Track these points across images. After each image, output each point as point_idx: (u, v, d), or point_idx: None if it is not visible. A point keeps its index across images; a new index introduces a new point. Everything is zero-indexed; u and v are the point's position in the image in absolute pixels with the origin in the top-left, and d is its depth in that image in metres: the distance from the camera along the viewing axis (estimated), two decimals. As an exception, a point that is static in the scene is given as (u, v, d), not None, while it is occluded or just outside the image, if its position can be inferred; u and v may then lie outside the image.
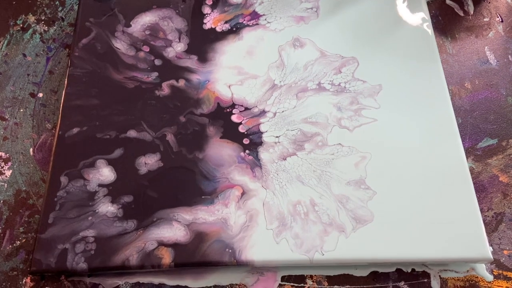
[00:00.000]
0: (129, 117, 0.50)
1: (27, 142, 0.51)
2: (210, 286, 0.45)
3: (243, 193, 0.46)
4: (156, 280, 0.45)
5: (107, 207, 0.45)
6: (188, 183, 0.47)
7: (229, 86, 0.53)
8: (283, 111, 0.51)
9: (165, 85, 0.54)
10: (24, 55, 0.57)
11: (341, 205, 0.45)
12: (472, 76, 0.59)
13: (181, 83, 0.55)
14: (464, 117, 0.57)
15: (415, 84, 0.52)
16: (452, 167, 0.47)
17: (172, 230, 0.44)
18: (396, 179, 0.47)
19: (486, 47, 0.59)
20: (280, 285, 0.45)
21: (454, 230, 0.44)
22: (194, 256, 0.43)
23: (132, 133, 0.50)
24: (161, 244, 0.43)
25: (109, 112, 0.51)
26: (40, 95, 0.54)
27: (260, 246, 0.43)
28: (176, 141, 0.49)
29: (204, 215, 0.45)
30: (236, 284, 0.45)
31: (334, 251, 0.43)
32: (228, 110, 0.51)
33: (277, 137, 0.50)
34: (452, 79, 0.59)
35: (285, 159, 0.48)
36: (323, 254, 0.43)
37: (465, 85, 0.59)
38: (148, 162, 0.48)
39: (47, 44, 0.59)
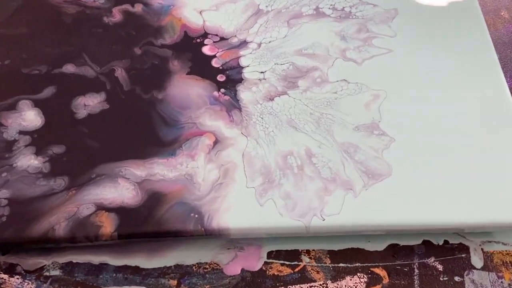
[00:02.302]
0: (66, 48, 0.44)
1: None
2: (170, 267, 0.34)
3: (215, 142, 0.39)
4: (96, 259, 0.36)
5: (28, 160, 0.36)
6: (141, 130, 0.39)
7: (200, 12, 0.43)
8: (270, 42, 0.42)
9: (116, 10, 0.45)
10: None
11: (347, 156, 0.37)
12: (509, 3, 0.49)
13: (138, 8, 0.46)
14: (502, 51, 0.47)
15: (440, 5, 0.44)
16: (493, 108, 0.39)
17: (117, 189, 0.36)
18: (419, 123, 0.40)
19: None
20: (265, 263, 0.34)
21: (499, 186, 0.36)
22: (146, 224, 0.34)
23: (69, 68, 0.43)
24: (101, 208, 0.35)
25: (41, 43, 0.44)
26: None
27: (238, 209, 0.35)
28: (128, 78, 0.42)
29: (162, 170, 0.37)
30: (206, 263, 0.34)
31: (338, 215, 0.35)
32: (198, 40, 0.44)
33: (262, 72, 0.43)
34: (486, 8, 0.49)
35: (273, 100, 0.40)
36: (324, 219, 0.35)
37: (502, 14, 0.49)
38: (89, 104, 0.41)
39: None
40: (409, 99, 0.41)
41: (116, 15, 0.45)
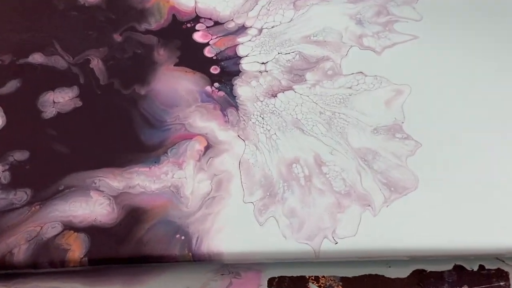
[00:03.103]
0: (35, 34, 0.40)
1: None
2: (152, 296, 0.30)
3: (207, 147, 0.34)
4: (65, 286, 0.32)
5: (-16, 169, 0.31)
6: (119, 132, 0.35)
7: (191, -8, 0.38)
8: (273, 27, 0.39)
9: (94, -10, 0.39)
10: None
11: (364, 165, 0.33)
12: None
13: (119, -13, 0.40)
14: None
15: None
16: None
17: (89, 205, 0.32)
18: (450, 124, 0.35)
19: None
20: (266, 292, 0.30)
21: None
22: (123, 247, 0.31)
23: (37, 58, 0.38)
24: (69, 227, 0.31)
25: (3, 28, 0.40)
26: None
27: (233, 229, 0.31)
28: (106, 70, 0.38)
29: (143, 181, 0.33)
30: (195, 292, 0.30)
31: (354, 238, 0.31)
32: (188, 25, 0.40)
33: (263, 63, 0.38)
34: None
35: (276, 96, 0.37)
36: (337, 243, 0.31)
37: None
38: (59, 101, 0.37)
39: None
40: (438, 95, 0.36)
41: (94, -5, 0.39)
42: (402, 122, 0.34)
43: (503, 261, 0.33)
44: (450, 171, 0.32)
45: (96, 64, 0.37)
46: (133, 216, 0.31)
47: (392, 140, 0.34)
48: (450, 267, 0.33)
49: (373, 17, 0.39)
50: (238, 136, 0.34)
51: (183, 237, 0.30)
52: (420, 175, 0.32)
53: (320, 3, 0.40)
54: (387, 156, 0.33)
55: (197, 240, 0.30)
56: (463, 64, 0.37)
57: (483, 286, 0.32)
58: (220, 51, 0.38)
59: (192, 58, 0.37)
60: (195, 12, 0.39)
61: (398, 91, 0.36)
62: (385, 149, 0.33)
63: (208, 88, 0.36)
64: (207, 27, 0.39)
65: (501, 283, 0.32)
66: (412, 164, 0.33)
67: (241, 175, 0.32)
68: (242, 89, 0.36)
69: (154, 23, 0.39)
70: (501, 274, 0.33)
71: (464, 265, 0.33)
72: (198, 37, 0.39)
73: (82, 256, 0.29)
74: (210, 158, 0.33)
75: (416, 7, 0.39)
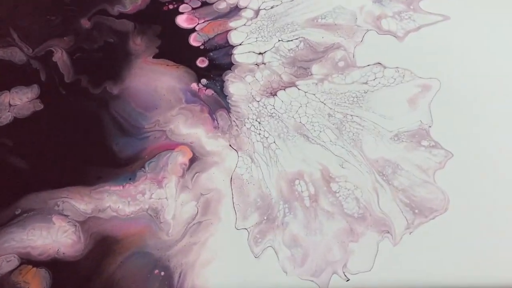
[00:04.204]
0: None
1: None
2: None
3: (193, 160, 0.29)
4: None
5: None
6: (87, 142, 0.30)
7: (174, -35, 0.32)
8: (272, 7, 0.32)
9: (57, -36, 0.33)
10: None
11: (383, 180, 0.28)
12: None
13: (87, -40, 0.34)
14: None
15: None
16: None
17: (51, 232, 0.28)
18: (491, 129, 0.29)
19: None
20: (263, 334, 0.25)
21: None
22: (91, 285, 0.26)
23: None
24: (27, 261, 0.27)
25: None
26: None
27: (223, 262, 0.27)
28: (71, 64, 0.32)
29: (115, 203, 0.28)
30: (180, 333, 0.25)
31: (369, 273, 0.26)
32: (171, 6, 0.35)
33: (260, 53, 0.33)
34: None
35: (275, 95, 0.31)
36: (348, 279, 0.26)
37: None
38: (16, 103, 0.32)
39: None
40: (474, 91, 0.30)
41: (57, -28, 0.33)
42: (430, 126, 0.29)
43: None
44: (488, 188, 0.27)
45: (60, 56, 0.31)
46: (103, 247, 0.26)
47: (417, 149, 0.28)
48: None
49: (395, -7, 0.33)
50: (230, 145, 0.29)
51: (162, 273, 0.26)
52: (451, 194, 0.27)
53: (330, -23, 0.33)
54: (411, 169, 0.28)
55: (179, 276, 0.26)
56: (507, 53, 0.31)
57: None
58: (209, 39, 0.32)
59: (175, 48, 0.32)
60: (179, -10, 0.33)
61: (424, 87, 0.30)
62: (408, 161, 0.28)
63: (194, 86, 0.31)
64: (193, 8, 0.33)
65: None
66: (442, 180, 0.27)
67: (233, 195, 0.27)
68: (235, 86, 0.30)
69: (129, 5, 0.33)
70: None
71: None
72: (182, 21, 0.33)
73: (42, 297, 0.25)
74: (196, 173, 0.28)
75: (447, -21, 0.33)
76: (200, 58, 0.31)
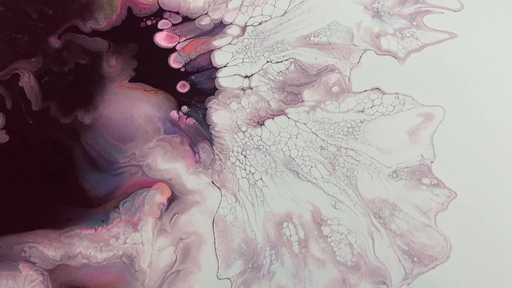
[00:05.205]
0: None
1: None
2: None
3: (172, 199, 0.27)
4: None
5: None
6: (56, 178, 0.27)
7: (152, -25, 0.29)
8: (260, 23, 0.29)
9: (23, -25, 0.30)
10: None
11: (379, 223, 0.26)
12: None
13: (56, -31, 0.31)
14: None
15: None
16: None
17: (18, 282, 0.25)
18: (500, 166, 0.26)
19: None
20: None
21: None
22: None
23: None
24: None
25: None
26: None
27: None
28: (40, 89, 0.30)
29: (86, 249, 0.26)
30: None
31: None
32: (149, 22, 0.31)
33: (246, 76, 0.30)
34: None
35: (262, 124, 0.28)
36: None
37: None
38: None
39: None
40: (483, 122, 0.27)
41: (23, -17, 0.30)
42: (432, 162, 0.26)
43: None
44: (495, 233, 0.25)
45: (27, 81, 0.29)
46: (73, 299, 0.24)
47: (417, 188, 0.26)
48: None
49: (396, 5, 0.30)
50: (213, 182, 0.26)
51: (138, 328, 0.24)
52: (454, 240, 0.25)
53: (325, -12, 0.30)
54: (410, 211, 0.25)
55: (156, 332, 0.24)
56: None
57: None
58: (190, 60, 0.29)
59: (154, 70, 0.29)
60: (158, 3, 0.30)
61: (427, 116, 0.27)
62: (407, 201, 0.26)
63: (174, 114, 0.28)
64: (173, 24, 0.30)
65: None
66: (444, 223, 0.25)
67: (215, 240, 0.25)
68: (219, 114, 0.28)
69: (103, 20, 0.30)
70: None
71: None
72: (161, 39, 0.30)
73: None
74: (175, 214, 0.26)
75: (455, -9, 0.30)
76: (180, 82, 0.29)
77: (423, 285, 0.24)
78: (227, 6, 0.30)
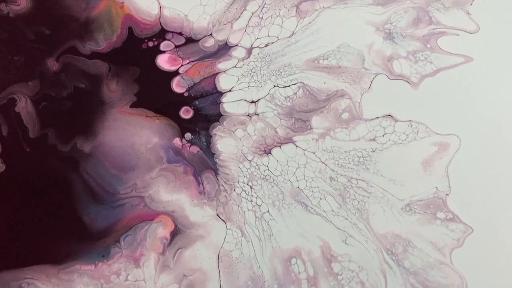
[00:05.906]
0: None
1: None
2: None
3: (175, 233, 0.26)
4: None
5: None
6: (55, 211, 0.26)
7: (154, -6, 0.28)
8: (267, 44, 0.29)
9: (20, -7, 0.29)
10: None
11: (392, 260, 0.25)
12: None
13: (55, -11, 0.30)
14: None
15: None
16: None
17: None
18: None
19: None
20: None
21: None
22: None
23: None
24: None
25: None
26: None
27: None
28: (37, 115, 0.29)
29: (86, 286, 0.25)
30: None
31: None
32: (150, 43, 0.30)
33: (253, 102, 0.29)
34: None
35: (269, 153, 0.27)
36: None
37: None
38: None
39: None
40: (502, 151, 0.26)
41: (21, 3, 0.29)
42: (447, 194, 0.25)
43: None
44: (513, 272, 0.24)
45: (24, 106, 0.28)
46: None
47: (431, 222, 0.25)
48: None
49: (409, 26, 0.28)
50: (218, 215, 0.25)
51: None
52: (470, 278, 0.24)
53: (335, 7, 0.29)
54: (424, 247, 0.24)
55: None
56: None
57: None
58: (194, 84, 0.28)
59: (156, 95, 0.28)
60: (160, 24, 0.29)
61: (441, 146, 0.26)
62: (421, 237, 0.25)
63: (177, 142, 0.27)
64: (176, 46, 0.29)
65: None
66: (459, 261, 0.24)
67: (220, 277, 0.24)
68: (223, 142, 0.27)
69: (103, 41, 0.29)
70: None
71: None
72: (163, 62, 0.28)
73: None
74: (178, 249, 0.25)
75: (471, 11, 0.28)
76: (184, 108, 0.28)
77: (438, 327, 0.23)
78: (232, 27, 0.29)
